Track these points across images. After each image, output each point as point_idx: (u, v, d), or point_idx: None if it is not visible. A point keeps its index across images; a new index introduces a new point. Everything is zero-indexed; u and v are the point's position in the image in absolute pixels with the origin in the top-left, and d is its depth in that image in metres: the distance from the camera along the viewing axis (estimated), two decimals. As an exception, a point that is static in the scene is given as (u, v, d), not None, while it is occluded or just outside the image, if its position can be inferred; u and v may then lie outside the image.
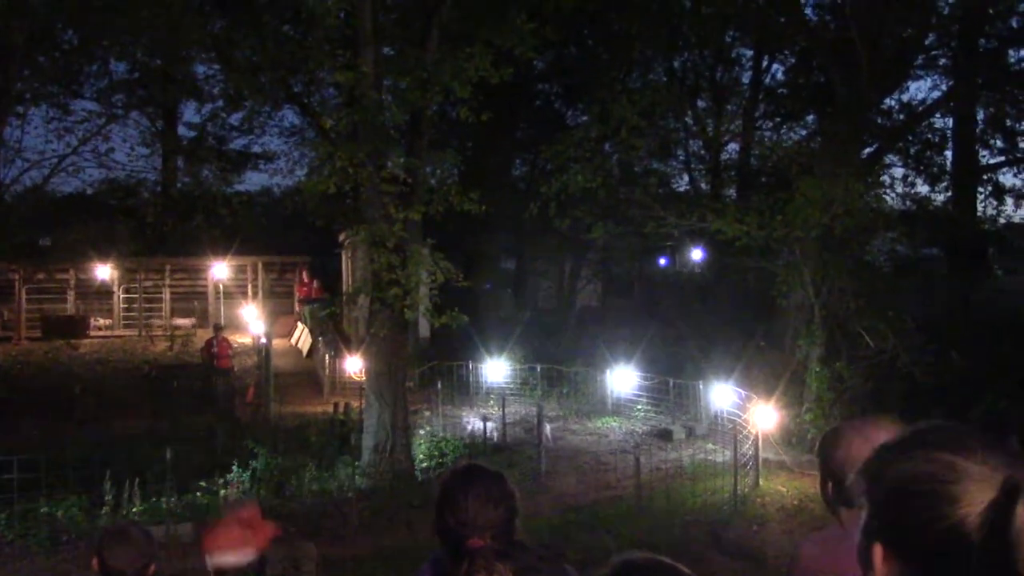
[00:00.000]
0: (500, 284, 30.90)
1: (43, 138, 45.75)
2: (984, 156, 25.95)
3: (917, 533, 1.18)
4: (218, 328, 20.06)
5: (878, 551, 1.23)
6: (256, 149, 31.21)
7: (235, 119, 28.16)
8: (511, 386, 19.74)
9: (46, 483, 11.29)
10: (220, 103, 25.80)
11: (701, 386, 16.76)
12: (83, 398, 18.59)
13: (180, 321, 27.40)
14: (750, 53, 28.07)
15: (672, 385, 17.48)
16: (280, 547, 9.00)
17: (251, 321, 24.85)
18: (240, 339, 24.26)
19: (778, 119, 28.63)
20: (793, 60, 27.23)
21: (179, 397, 18.68)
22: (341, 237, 22.09)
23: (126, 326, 27.65)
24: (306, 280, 27.37)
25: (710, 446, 14.60)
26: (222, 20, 18.94)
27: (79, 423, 16.99)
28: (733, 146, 28.29)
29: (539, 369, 19.71)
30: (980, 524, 1.13)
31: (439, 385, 17.93)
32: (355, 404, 17.09)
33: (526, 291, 32.96)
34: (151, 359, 22.93)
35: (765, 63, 27.96)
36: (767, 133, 27.59)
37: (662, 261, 38.65)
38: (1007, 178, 25.75)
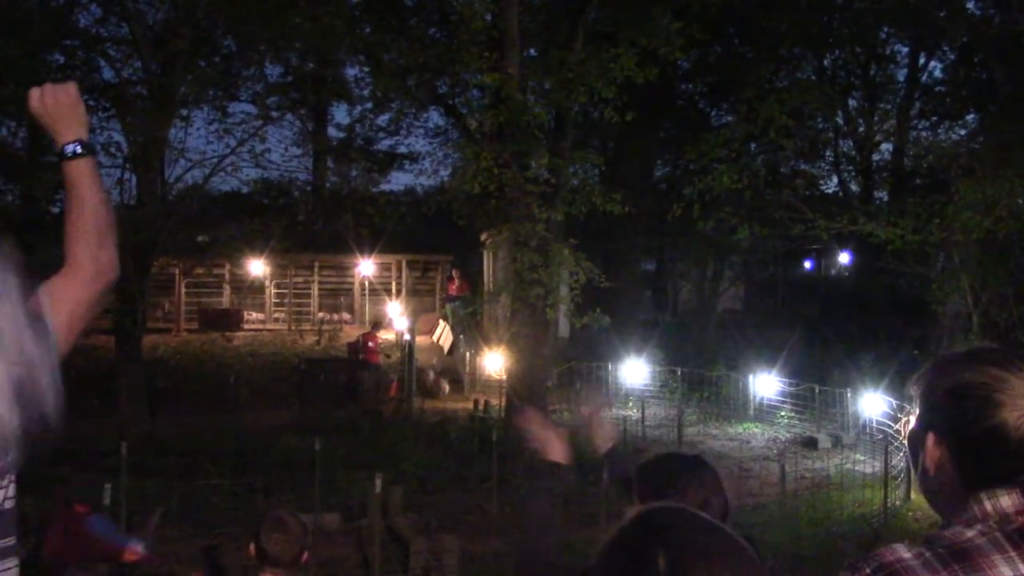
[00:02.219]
0: (640, 285, 30.66)
1: (204, 139, 48.09)
2: None
3: (967, 429, 1.42)
4: (376, 326, 20.68)
5: (931, 438, 1.48)
6: (402, 149, 31.91)
7: (382, 120, 28.82)
8: (650, 388, 19.58)
9: (203, 469, 11.84)
10: (369, 105, 26.44)
11: (849, 394, 16.23)
12: (236, 389, 19.42)
13: (328, 316, 28.28)
14: (906, 50, 27.02)
15: (818, 392, 16.99)
16: (422, 540, 9.18)
17: (395, 317, 25.45)
18: (384, 335, 24.87)
19: (935, 118, 27.40)
20: (953, 56, 26.07)
21: (326, 390, 19.28)
22: (483, 236, 22.34)
23: (277, 320, 28.71)
24: (455, 277, 27.83)
25: (858, 456, 14.11)
26: (371, 25, 19.48)
27: (232, 412, 17.74)
28: (886, 146, 27.25)
29: (679, 372, 19.48)
30: (1019, 426, 1.38)
31: (578, 385, 17.94)
32: (494, 402, 17.29)
33: (667, 293, 32.58)
34: (300, 352, 23.74)
35: (922, 60, 26.85)
36: (923, 133, 26.46)
37: (807, 264, 37.60)
38: None
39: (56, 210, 27.90)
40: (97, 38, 19.28)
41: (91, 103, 17.41)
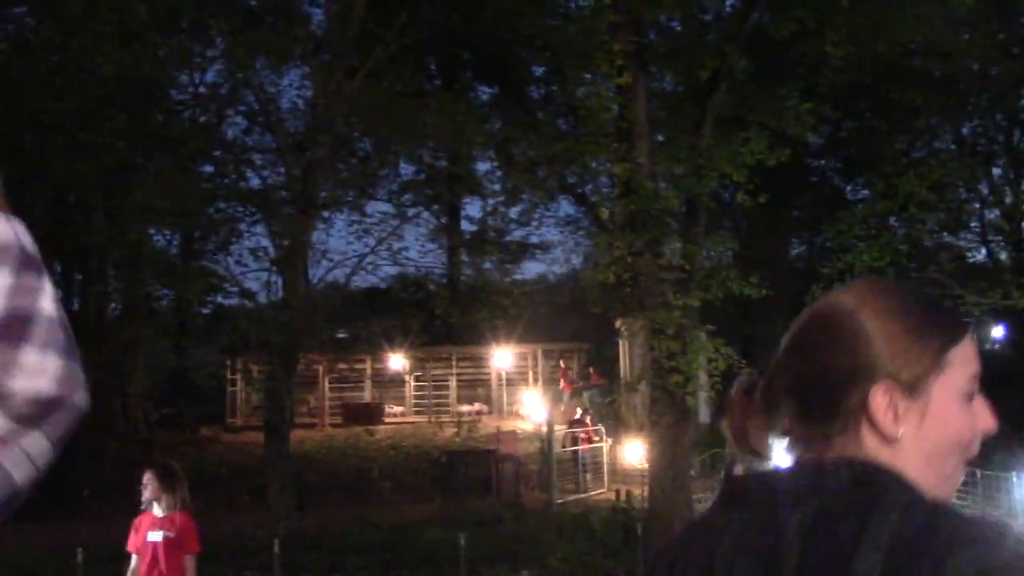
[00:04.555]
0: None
1: (344, 239, 49.79)
2: None
3: None
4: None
5: None
6: (534, 239, 32.36)
7: (514, 212, 29.35)
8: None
9: (351, 564, 12.00)
10: (500, 198, 27.01)
11: (1014, 477, 15.31)
12: (380, 482, 19.72)
13: (466, 408, 28.56)
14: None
15: (979, 476, 16.08)
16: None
17: (532, 407, 25.49)
18: (522, 425, 24.92)
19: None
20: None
21: (467, 482, 19.36)
22: (618, 323, 22.30)
23: (417, 413, 29.17)
24: (563, 367, 27.72)
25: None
26: (500, 121, 20.01)
27: (376, 505, 17.99)
28: (1036, 215, 26.10)
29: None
30: None
31: (722, 473, 17.47)
32: (636, 491, 17.01)
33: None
34: (440, 444, 23.99)
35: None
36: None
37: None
38: None
39: (206, 311, 29.27)
40: (243, 147, 20.46)
41: (240, 209, 18.40)
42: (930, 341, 1.17)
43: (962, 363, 1.19)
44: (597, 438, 22.18)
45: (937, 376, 1.16)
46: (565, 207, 29.69)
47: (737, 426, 1.28)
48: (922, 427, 1.16)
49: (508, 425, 24.86)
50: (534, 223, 30.32)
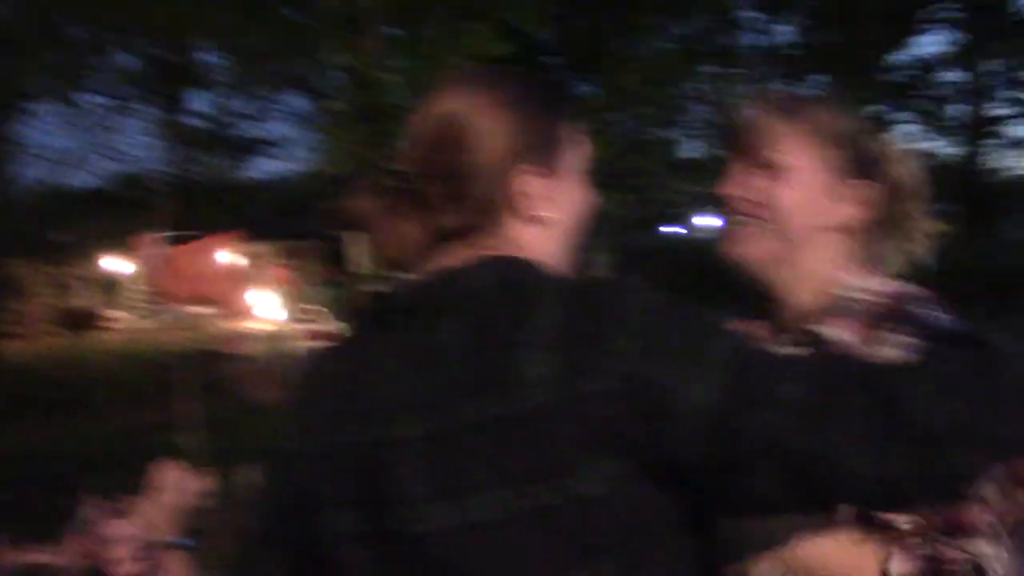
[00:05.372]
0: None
1: (57, 136, 46.07)
2: (994, 109, 25.73)
3: None
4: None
5: None
6: (268, 135, 31.24)
7: (243, 106, 28.15)
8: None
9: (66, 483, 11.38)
10: (227, 90, 25.81)
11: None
12: (97, 391, 18.71)
13: (197, 310, 27.51)
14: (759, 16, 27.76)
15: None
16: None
17: (267, 306, 24.94)
18: (259, 326, 24.38)
19: (788, 79, 28.35)
20: (802, 23, 26.94)
21: (199, 385, 18.75)
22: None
23: (143, 317, 27.78)
24: (282, 265, 26.93)
25: None
26: (226, 8, 18.94)
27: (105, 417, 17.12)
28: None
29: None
30: None
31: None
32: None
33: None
34: (168, 350, 23.02)
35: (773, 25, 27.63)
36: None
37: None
38: (1020, 131, 25.59)
39: None
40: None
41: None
42: (552, 121, 1.21)
43: (578, 141, 1.26)
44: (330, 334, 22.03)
45: (564, 154, 1.22)
46: (299, 102, 28.88)
47: (385, 238, 1.23)
48: (560, 206, 1.20)
49: (243, 327, 24.25)
50: (265, 117, 29.34)
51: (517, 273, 1.11)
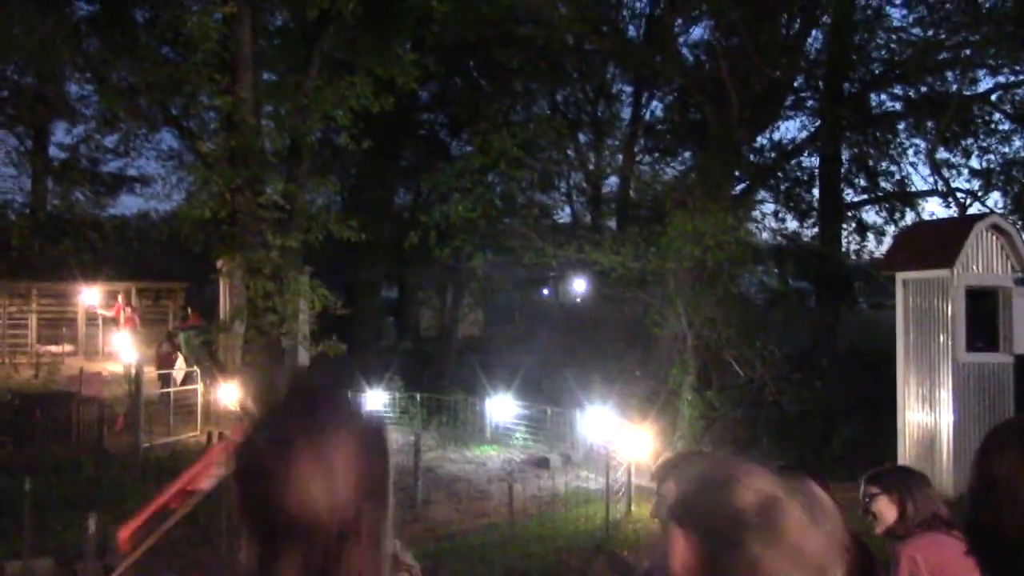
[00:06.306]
0: (382, 313, 30.72)
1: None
2: (848, 194, 27.17)
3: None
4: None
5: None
6: (132, 172, 30.42)
7: (110, 141, 27.41)
8: (389, 414, 19.62)
9: None
10: (93, 124, 25.13)
11: (578, 414, 16.99)
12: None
13: (48, 348, 26.33)
14: (630, 89, 28.75)
15: (550, 413, 17.67)
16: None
17: (123, 348, 24.06)
18: (111, 367, 23.48)
19: (656, 154, 29.36)
20: (671, 97, 28.01)
21: (43, 426, 17.92)
22: (219, 263, 21.71)
23: (-11, 354, 26.44)
24: (119, 304, 25.80)
25: (585, 473, 14.81)
26: (97, 40, 18.52)
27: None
28: (615, 179, 28.86)
29: (418, 398, 19.66)
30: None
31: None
32: (229, 433, 16.73)
33: (408, 320, 32.82)
34: (16, 387, 21.94)
35: (644, 99, 28.65)
36: (644, 168, 28.26)
37: (545, 291, 39.08)
38: (869, 216, 27.07)
39: None
40: None
41: None
42: None
43: None
44: (184, 377, 21.51)
45: None
46: (168, 140, 28.33)
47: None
48: None
49: (97, 367, 23.30)
50: (132, 154, 28.63)
51: None
